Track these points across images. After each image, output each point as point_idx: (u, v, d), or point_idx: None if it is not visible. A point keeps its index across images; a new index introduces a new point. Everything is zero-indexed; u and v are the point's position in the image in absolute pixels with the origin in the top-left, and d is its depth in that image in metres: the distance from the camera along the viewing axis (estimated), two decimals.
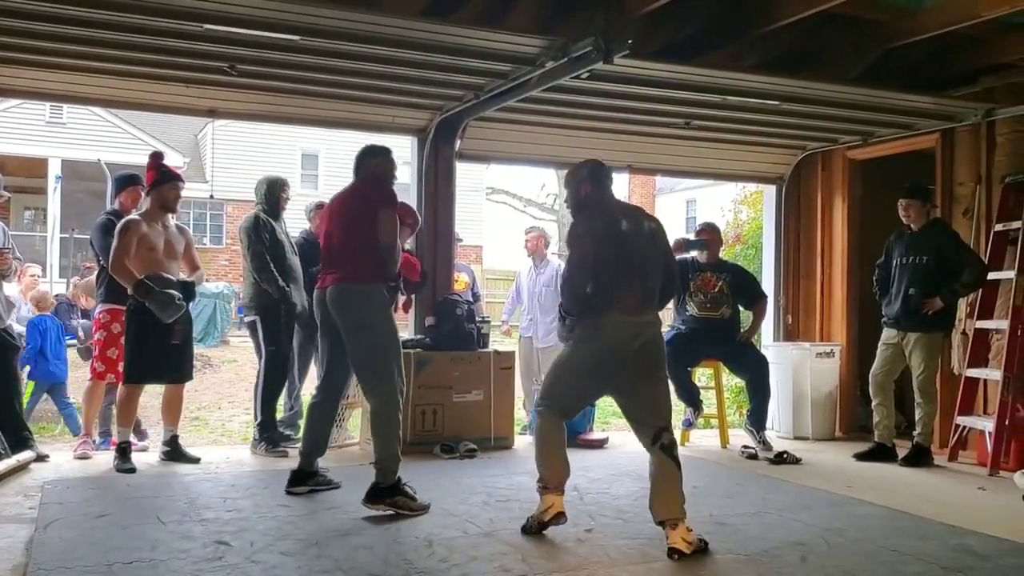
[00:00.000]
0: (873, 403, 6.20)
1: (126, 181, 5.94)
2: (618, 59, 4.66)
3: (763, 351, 7.03)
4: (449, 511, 4.39)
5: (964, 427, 6.11)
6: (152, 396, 6.63)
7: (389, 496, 4.27)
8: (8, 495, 4.58)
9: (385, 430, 4.35)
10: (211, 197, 21.24)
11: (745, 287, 6.69)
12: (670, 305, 6.34)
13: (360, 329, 4.39)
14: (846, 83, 5.83)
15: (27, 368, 7.25)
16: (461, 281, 7.45)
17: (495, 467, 5.62)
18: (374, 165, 4.60)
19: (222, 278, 19.43)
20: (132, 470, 5.18)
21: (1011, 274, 5.95)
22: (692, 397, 6.61)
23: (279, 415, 6.23)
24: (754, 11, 5.60)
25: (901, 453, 6.03)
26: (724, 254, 7.59)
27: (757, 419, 6.37)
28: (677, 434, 6.74)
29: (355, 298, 4.40)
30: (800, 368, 7.01)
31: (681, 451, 6.32)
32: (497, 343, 7.29)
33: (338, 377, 4.66)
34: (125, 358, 5.35)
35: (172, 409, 5.64)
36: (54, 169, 18.81)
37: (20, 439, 5.31)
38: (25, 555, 3.56)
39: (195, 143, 23.39)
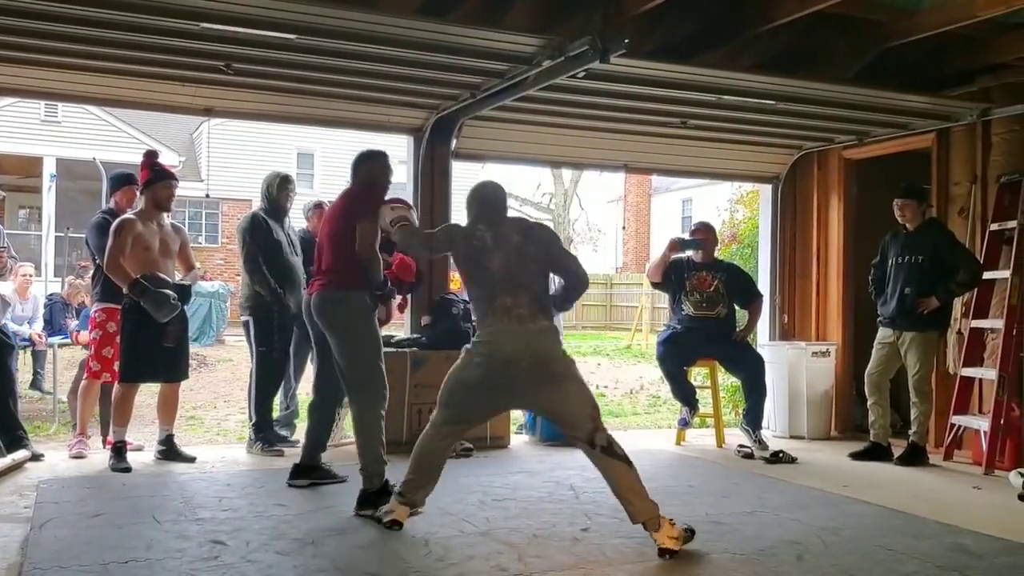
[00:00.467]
0: (869, 402, 6.21)
1: (122, 180, 5.93)
2: (615, 58, 4.65)
3: (759, 350, 7.04)
4: (445, 510, 4.39)
5: (959, 426, 6.12)
6: (147, 395, 6.63)
7: (376, 501, 4.24)
8: (3, 494, 4.58)
9: (366, 435, 4.37)
10: (207, 196, 21.20)
11: (741, 286, 6.69)
12: (665, 304, 6.34)
13: (341, 334, 4.42)
14: (842, 83, 5.84)
15: None
16: (457, 280, 7.45)
17: (491, 466, 5.61)
18: (369, 169, 4.62)
19: (217, 277, 19.40)
20: (127, 469, 5.17)
21: (1006, 274, 5.96)
22: (688, 396, 6.62)
23: (275, 414, 6.22)
24: (751, 11, 5.61)
25: (897, 452, 6.04)
26: (720, 253, 7.59)
27: (753, 418, 6.37)
28: (673, 434, 6.84)
29: (336, 304, 4.43)
30: (796, 367, 7.01)
31: (677, 450, 6.49)
32: None
33: (328, 380, 4.67)
34: (121, 357, 5.34)
35: (168, 408, 5.64)
36: (49, 168, 18.77)
37: (15, 438, 5.30)
38: (20, 554, 3.55)
39: (191, 142, 23.35)
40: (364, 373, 4.40)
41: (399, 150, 6.75)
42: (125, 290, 5.15)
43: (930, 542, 4.02)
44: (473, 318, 4.08)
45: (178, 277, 5.59)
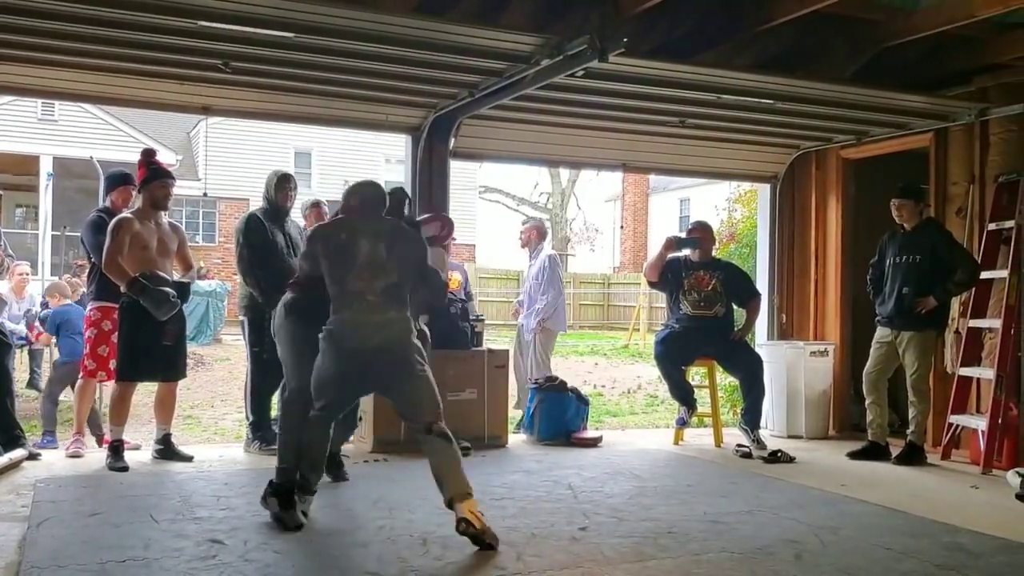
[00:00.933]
0: (867, 402, 6.22)
1: (118, 180, 5.91)
2: (613, 57, 4.65)
3: (757, 350, 7.03)
4: (443, 509, 4.37)
5: (957, 426, 6.12)
6: (144, 395, 6.62)
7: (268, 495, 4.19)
8: (0, 493, 4.56)
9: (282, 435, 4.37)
10: (204, 195, 21.19)
11: (738, 285, 6.68)
12: (663, 304, 6.35)
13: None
14: (840, 82, 5.85)
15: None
16: (454, 280, 7.45)
17: (489, 466, 5.60)
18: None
19: (215, 276, 19.38)
20: (125, 468, 5.17)
21: (1004, 273, 5.96)
22: (686, 396, 6.61)
23: (273, 413, 6.20)
24: (749, 10, 5.62)
25: (894, 452, 6.05)
26: (718, 253, 7.60)
27: (751, 418, 6.37)
28: (671, 433, 6.84)
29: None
30: (794, 367, 7.01)
31: (675, 450, 6.49)
32: (491, 341, 7.30)
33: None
34: (118, 356, 5.33)
35: (165, 407, 5.63)
36: (45, 166, 18.73)
37: (12, 437, 5.29)
38: (18, 553, 3.54)
39: (188, 141, 23.31)
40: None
41: (397, 149, 6.75)
42: (123, 288, 5.14)
43: (928, 541, 4.02)
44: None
45: (176, 276, 5.58)
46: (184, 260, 5.67)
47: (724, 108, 6.05)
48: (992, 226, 6.12)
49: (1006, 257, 6.01)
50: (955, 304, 6.24)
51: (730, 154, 7.44)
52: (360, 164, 24.09)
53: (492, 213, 27.80)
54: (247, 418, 6.02)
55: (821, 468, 5.82)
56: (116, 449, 5.28)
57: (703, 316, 6.49)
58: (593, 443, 6.54)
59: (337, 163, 23.76)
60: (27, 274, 9.16)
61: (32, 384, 9.11)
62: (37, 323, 7.87)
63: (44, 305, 8.97)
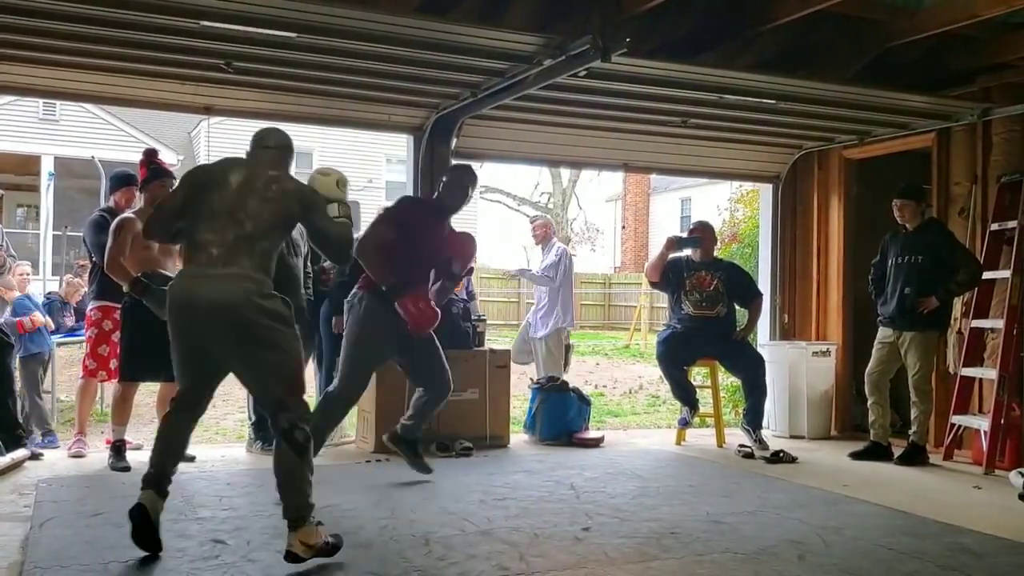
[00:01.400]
0: (869, 402, 6.21)
1: (122, 181, 5.91)
2: (616, 57, 4.66)
3: (759, 350, 7.03)
4: (446, 509, 4.38)
5: (959, 426, 6.12)
6: (146, 394, 6.62)
7: None
8: (3, 493, 4.56)
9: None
10: None
11: (740, 285, 6.68)
12: (664, 304, 6.34)
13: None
14: (843, 82, 5.84)
15: None
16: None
17: (490, 466, 5.61)
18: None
19: None
20: (127, 468, 5.16)
21: (1006, 273, 5.96)
22: (688, 396, 6.61)
23: None
24: (751, 10, 5.60)
25: (897, 452, 6.05)
26: (720, 253, 7.59)
27: (753, 418, 6.37)
28: (673, 433, 6.83)
29: None
30: (796, 367, 7.01)
31: (677, 450, 6.49)
32: (492, 341, 7.29)
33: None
34: (120, 356, 5.33)
35: (167, 406, 5.61)
36: (47, 166, 18.73)
37: (14, 437, 5.29)
38: (21, 553, 3.54)
39: (189, 141, 23.32)
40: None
41: (399, 149, 6.75)
42: (126, 288, 5.14)
43: (931, 541, 4.02)
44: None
45: None
46: None
47: (726, 108, 6.05)
48: (995, 226, 6.12)
49: (1008, 257, 6.01)
50: (957, 304, 6.24)
51: (732, 154, 7.44)
52: (361, 164, 24.10)
53: (493, 213, 27.79)
54: (249, 418, 6.02)
55: (823, 468, 5.82)
56: (118, 449, 5.28)
57: (705, 316, 6.48)
58: (595, 443, 6.54)
59: (338, 163, 23.64)
60: (27, 274, 9.15)
61: None
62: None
63: (47, 304, 8.98)
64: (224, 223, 3.43)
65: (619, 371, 13.24)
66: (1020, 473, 5.28)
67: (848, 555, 3.77)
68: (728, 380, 7.67)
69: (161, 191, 5.40)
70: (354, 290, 4.83)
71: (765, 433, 6.56)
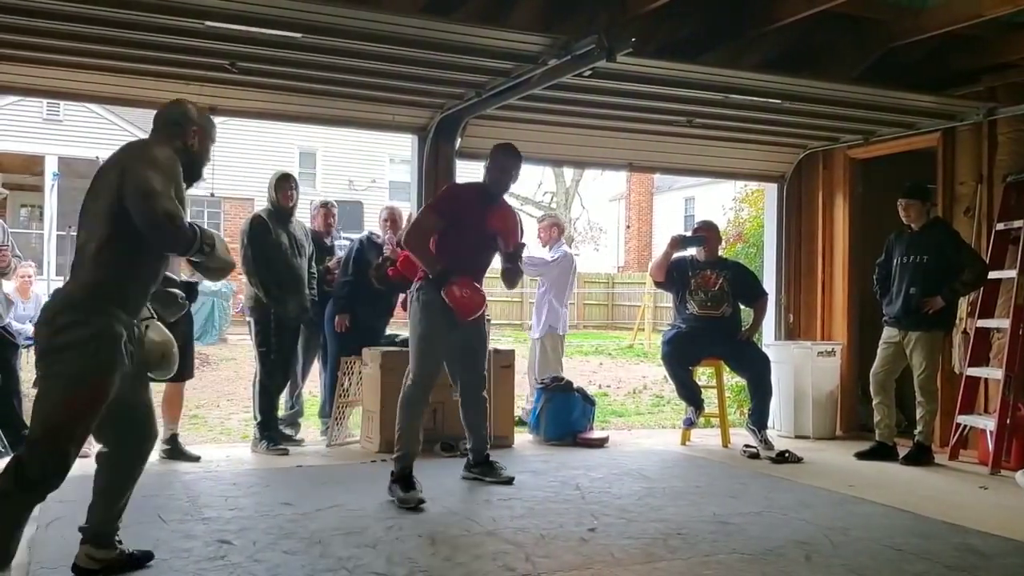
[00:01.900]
0: (874, 402, 6.20)
1: None
2: (621, 57, 4.65)
3: (764, 350, 7.02)
4: (451, 509, 4.38)
5: (965, 426, 6.11)
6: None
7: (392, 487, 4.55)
8: None
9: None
10: (211, 195, 21.20)
11: (745, 285, 6.67)
12: (668, 303, 6.33)
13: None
14: (847, 82, 5.83)
15: None
16: None
17: None
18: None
19: None
20: None
21: (1012, 273, 5.95)
22: (693, 396, 6.60)
23: (281, 413, 6.22)
24: (755, 10, 5.60)
25: (902, 452, 6.03)
26: (725, 253, 7.57)
27: (758, 418, 6.36)
28: (678, 433, 6.82)
29: None
30: (801, 367, 7.00)
31: (682, 450, 6.48)
32: (496, 341, 7.28)
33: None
34: None
35: (172, 407, 5.63)
36: (51, 166, 18.76)
37: (20, 438, 5.29)
38: (27, 554, 3.54)
39: None
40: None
41: (403, 150, 6.75)
42: None
43: (938, 542, 4.01)
44: None
45: (183, 275, 5.57)
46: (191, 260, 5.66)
47: (731, 108, 6.04)
48: (1000, 226, 6.11)
49: (1014, 257, 6.00)
50: (963, 304, 6.23)
51: (737, 153, 7.43)
52: (365, 164, 24.14)
53: None
54: (255, 418, 6.02)
55: (829, 469, 5.81)
56: None
57: (710, 316, 6.47)
58: (599, 443, 6.53)
59: (342, 163, 23.78)
60: (31, 275, 9.17)
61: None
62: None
63: None
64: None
65: (623, 371, 13.23)
66: None
67: (855, 556, 3.76)
68: (733, 380, 7.66)
69: None
70: (415, 283, 4.84)
71: (770, 433, 6.55)
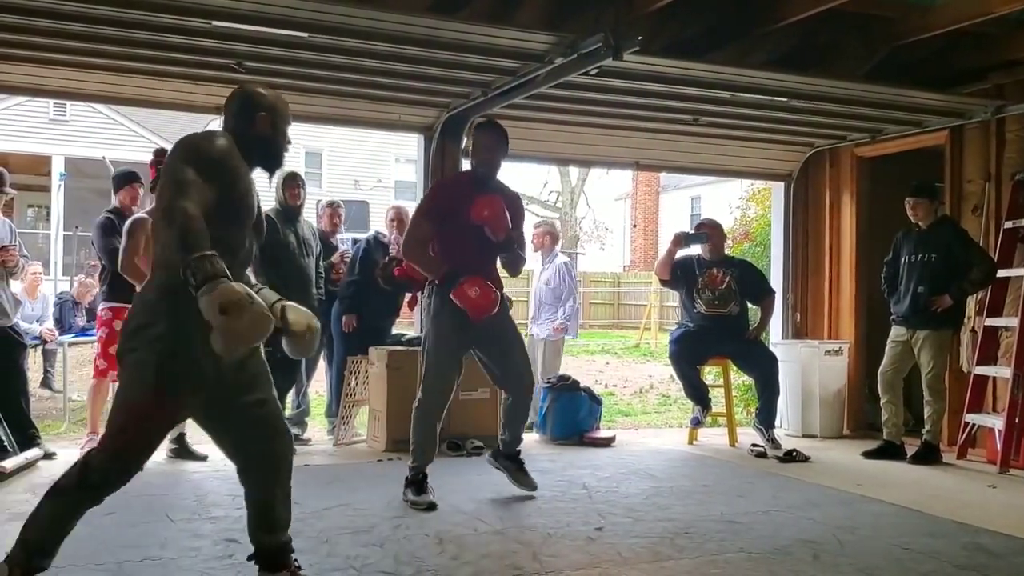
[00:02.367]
0: (882, 401, 6.19)
1: (123, 179, 5.91)
2: (627, 55, 4.64)
3: (772, 349, 7.01)
4: (458, 508, 4.38)
5: (973, 425, 6.09)
6: None
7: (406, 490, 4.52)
8: (16, 492, 4.58)
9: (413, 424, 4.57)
10: None
11: (752, 283, 6.65)
12: (674, 302, 6.32)
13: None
14: (855, 80, 5.81)
15: None
16: None
17: None
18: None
19: None
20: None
21: (1021, 271, 5.93)
22: (701, 395, 6.59)
23: (287, 412, 6.21)
24: (762, 8, 5.58)
25: (910, 451, 6.02)
26: (732, 251, 7.55)
27: (766, 417, 6.34)
28: (685, 433, 6.82)
29: None
30: (809, 366, 6.99)
31: (689, 450, 6.47)
32: None
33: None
34: None
35: None
36: (58, 167, 18.81)
37: (27, 437, 5.31)
38: None
39: None
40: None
41: (409, 149, 6.75)
42: (139, 289, 5.14)
43: (947, 541, 3.99)
44: None
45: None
46: None
47: (738, 106, 6.03)
48: (1008, 224, 6.08)
49: (1023, 255, 5.97)
50: (971, 303, 6.21)
51: (744, 152, 7.42)
52: (371, 164, 24.14)
53: None
54: None
55: (836, 467, 5.80)
56: None
57: (717, 315, 6.46)
58: (606, 443, 6.52)
59: (348, 163, 23.79)
60: (39, 274, 9.20)
61: (46, 383, 9.15)
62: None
63: (59, 305, 9.03)
64: None
65: (629, 370, 13.22)
66: None
67: (863, 555, 3.75)
68: (740, 379, 7.64)
69: None
70: (426, 287, 4.72)
71: (777, 432, 6.53)
